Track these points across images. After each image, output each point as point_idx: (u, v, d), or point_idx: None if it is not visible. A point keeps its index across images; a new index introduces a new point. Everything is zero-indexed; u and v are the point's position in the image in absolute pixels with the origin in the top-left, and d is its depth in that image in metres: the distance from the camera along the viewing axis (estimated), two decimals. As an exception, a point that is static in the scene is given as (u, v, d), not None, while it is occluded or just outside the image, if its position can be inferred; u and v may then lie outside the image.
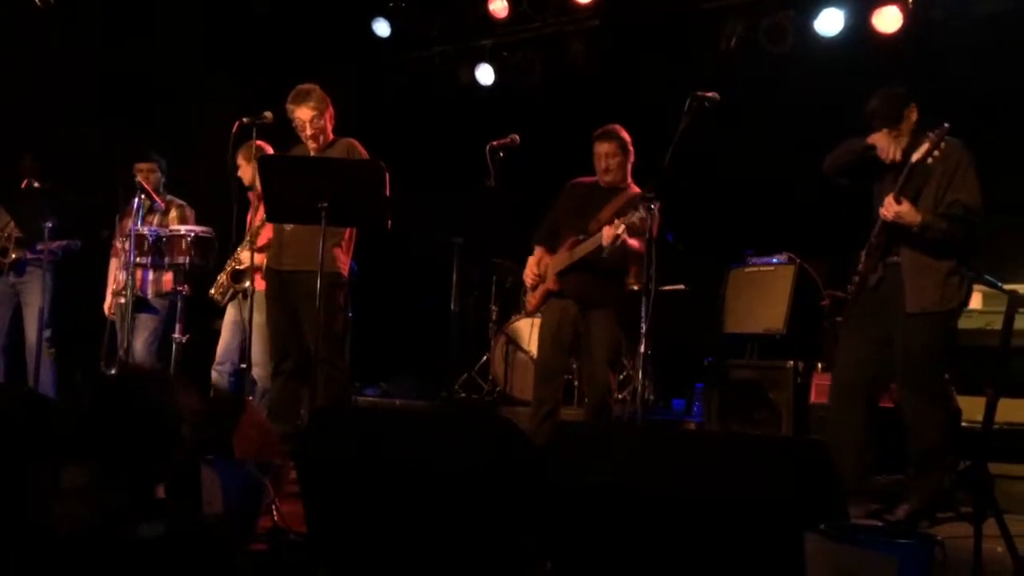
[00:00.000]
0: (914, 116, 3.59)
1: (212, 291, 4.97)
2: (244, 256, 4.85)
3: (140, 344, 5.05)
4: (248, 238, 4.93)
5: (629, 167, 4.36)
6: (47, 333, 5.21)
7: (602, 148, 4.30)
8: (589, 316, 4.27)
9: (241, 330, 5.10)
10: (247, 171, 5.14)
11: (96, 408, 1.77)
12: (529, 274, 4.49)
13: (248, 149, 5.13)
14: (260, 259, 4.74)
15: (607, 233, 4.05)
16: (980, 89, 5.18)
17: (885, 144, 3.54)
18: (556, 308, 4.34)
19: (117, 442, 1.73)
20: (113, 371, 4.82)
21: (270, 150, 5.05)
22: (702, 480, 2.25)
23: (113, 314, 5.17)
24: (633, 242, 4.12)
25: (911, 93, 3.63)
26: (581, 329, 4.29)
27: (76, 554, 1.63)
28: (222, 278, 4.99)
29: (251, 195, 5.26)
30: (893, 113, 3.57)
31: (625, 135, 4.34)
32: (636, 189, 4.32)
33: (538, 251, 4.52)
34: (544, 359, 4.42)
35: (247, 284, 4.91)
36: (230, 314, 5.12)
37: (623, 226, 4.00)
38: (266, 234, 4.91)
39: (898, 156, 3.49)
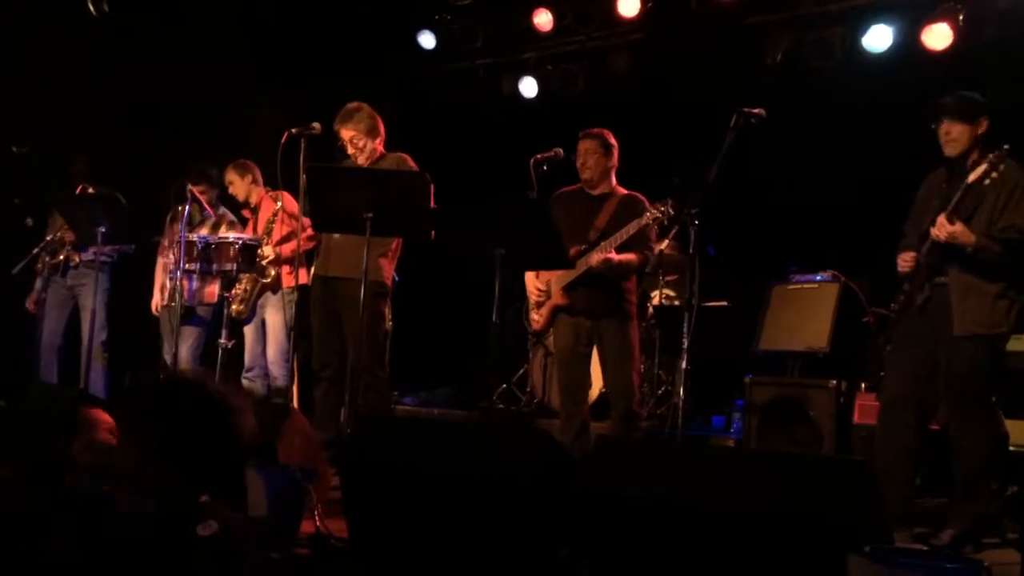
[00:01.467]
0: (983, 128, 3.51)
1: (234, 307, 5.03)
2: (265, 251, 4.96)
3: (185, 350, 5.16)
4: (263, 234, 5.03)
5: (612, 170, 4.38)
6: (103, 335, 5.34)
7: (582, 146, 4.36)
8: (601, 327, 4.28)
9: (264, 334, 5.21)
10: (240, 187, 5.28)
11: (164, 413, 1.83)
12: (533, 291, 4.50)
13: (238, 166, 5.27)
14: (280, 252, 4.88)
15: (595, 259, 4.11)
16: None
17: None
18: (568, 324, 4.35)
19: (184, 446, 1.79)
20: (161, 376, 4.95)
21: (258, 171, 5.20)
22: (743, 497, 2.24)
23: (159, 312, 5.29)
24: (625, 257, 4.15)
25: (990, 106, 3.56)
26: (596, 341, 4.30)
27: (139, 549, 1.69)
28: (241, 287, 5.07)
29: (245, 211, 5.38)
30: (966, 110, 3.50)
31: (610, 138, 4.37)
32: (623, 191, 4.34)
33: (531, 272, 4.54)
34: (564, 376, 4.43)
35: (272, 273, 5.02)
36: (252, 321, 5.22)
37: (611, 250, 4.08)
38: (280, 230, 5.03)
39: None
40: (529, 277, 4.51)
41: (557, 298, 4.36)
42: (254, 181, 5.32)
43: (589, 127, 4.45)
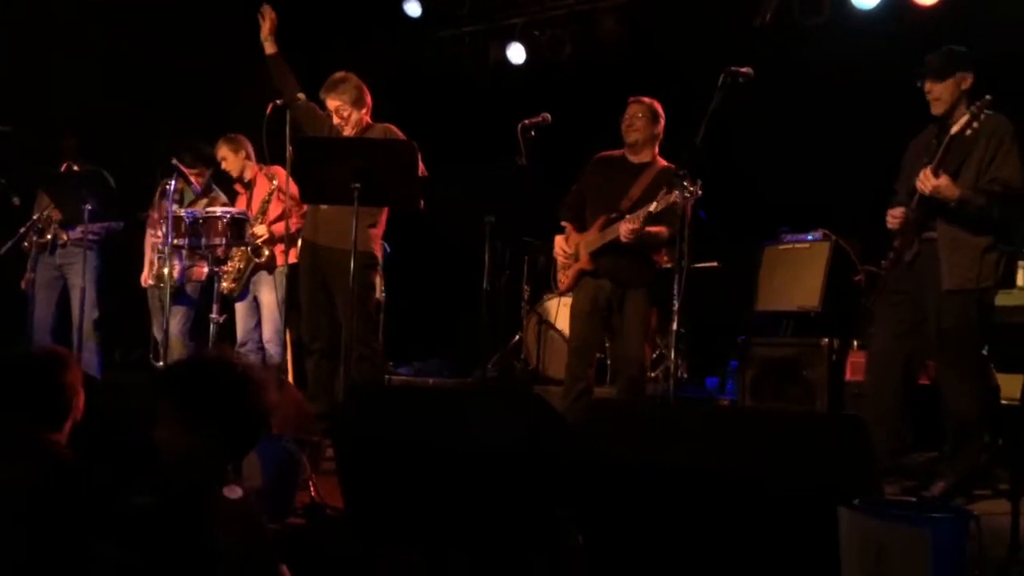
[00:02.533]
0: (966, 84, 3.50)
1: (225, 284, 5.02)
2: (259, 230, 4.94)
3: (175, 327, 5.16)
4: (258, 213, 5.00)
5: (656, 139, 4.35)
6: (95, 314, 5.32)
7: (631, 109, 4.33)
8: (624, 295, 4.27)
9: (256, 310, 5.20)
10: (233, 163, 5.23)
11: (196, 389, 1.92)
12: (560, 253, 4.49)
13: (232, 141, 5.22)
14: (274, 231, 4.87)
15: (624, 229, 4.08)
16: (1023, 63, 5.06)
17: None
18: (590, 287, 4.34)
19: (216, 420, 1.90)
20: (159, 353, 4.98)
21: (250, 145, 5.15)
22: (736, 456, 2.25)
23: (150, 284, 5.28)
24: (656, 229, 4.13)
25: (971, 59, 3.53)
26: (615, 308, 4.30)
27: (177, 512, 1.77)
28: (233, 264, 5.06)
29: (237, 186, 5.34)
30: (943, 68, 3.49)
31: (659, 107, 4.34)
32: (663, 163, 4.31)
33: (567, 228, 4.52)
34: (577, 336, 4.43)
35: (267, 253, 4.99)
36: (245, 298, 5.22)
37: (639, 221, 4.03)
38: (275, 209, 5.00)
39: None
40: (558, 239, 4.51)
41: (584, 262, 4.35)
42: (247, 156, 5.27)
43: (577, 92, 4.42)
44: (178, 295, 5.14)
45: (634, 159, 4.34)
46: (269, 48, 4.53)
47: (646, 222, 4.08)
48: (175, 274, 4.98)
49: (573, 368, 4.38)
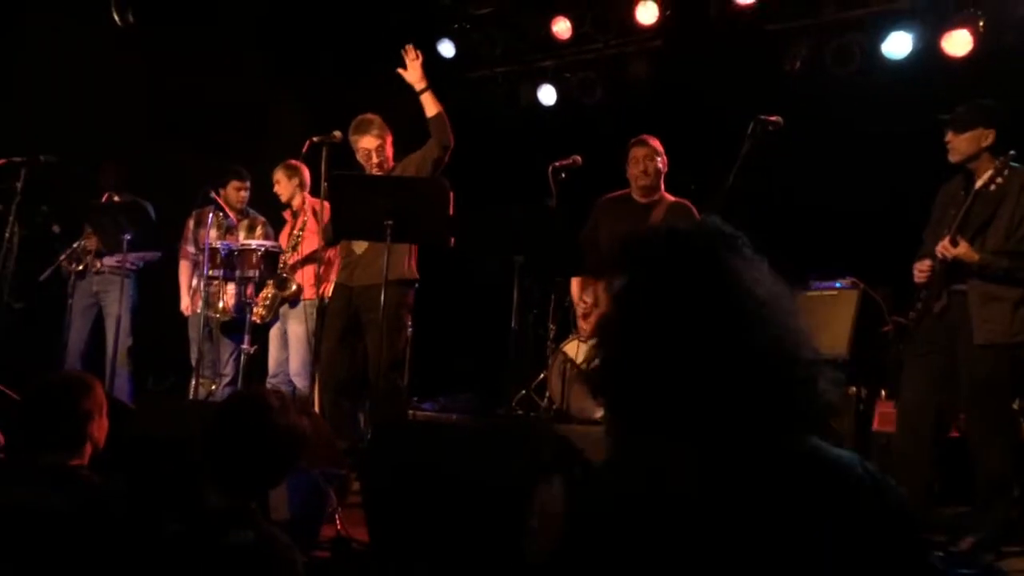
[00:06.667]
0: (986, 141, 3.50)
1: (257, 310, 5.08)
2: (285, 258, 5.01)
3: (225, 355, 5.27)
4: (289, 247, 5.08)
5: (662, 177, 4.39)
6: (129, 342, 5.41)
7: (639, 152, 4.36)
8: None
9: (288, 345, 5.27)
10: (285, 188, 5.31)
11: (224, 425, 1.94)
12: (578, 302, 4.51)
13: (287, 167, 5.31)
14: (303, 271, 4.92)
15: None
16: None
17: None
18: None
19: (240, 457, 1.91)
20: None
21: (306, 171, 5.22)
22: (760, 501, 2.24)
23: (188, 313, 5.36)
24: None
25: (998, 114, 3.54)
26: None
27: (169, 555, 1.74)
28: (266, 292, 5.13)
29: (286, 213, 5.43)
30: (964, 121, 3.51)
31: (659, 144, 4.38)
32: (671, 198, 4.35)
33: (578, 279, 4.54)
34: None
35: (293, 288, 5.05)
36: (276, 328, 5.27)
37: None
38: (309, 244, 5.07)
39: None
40: (575, 289, 4.53)
41: (604, 306, 4.35)
42: (300, 184, 5.34)
43: (607, 135, 4.48)
44: (231, 326, 5.23)
45: (643, 200, 4.37)
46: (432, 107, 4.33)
47: None
48: (229, 304, 5.07)
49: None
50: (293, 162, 5.29)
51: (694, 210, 4.25)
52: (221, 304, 4.99)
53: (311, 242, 5.14)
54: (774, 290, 1.29)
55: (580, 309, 4.52)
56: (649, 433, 1.21)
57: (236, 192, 5.27)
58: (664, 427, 1.19)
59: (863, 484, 1.14)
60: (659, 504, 1.15)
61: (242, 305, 5.23)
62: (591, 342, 4.82)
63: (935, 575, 1.19)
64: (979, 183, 3.38)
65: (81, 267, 5.49)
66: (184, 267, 5.44)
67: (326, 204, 4.75)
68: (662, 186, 4.39)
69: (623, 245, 1.28)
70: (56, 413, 2.20)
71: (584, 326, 4.53)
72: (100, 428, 2.29)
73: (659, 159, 4.33)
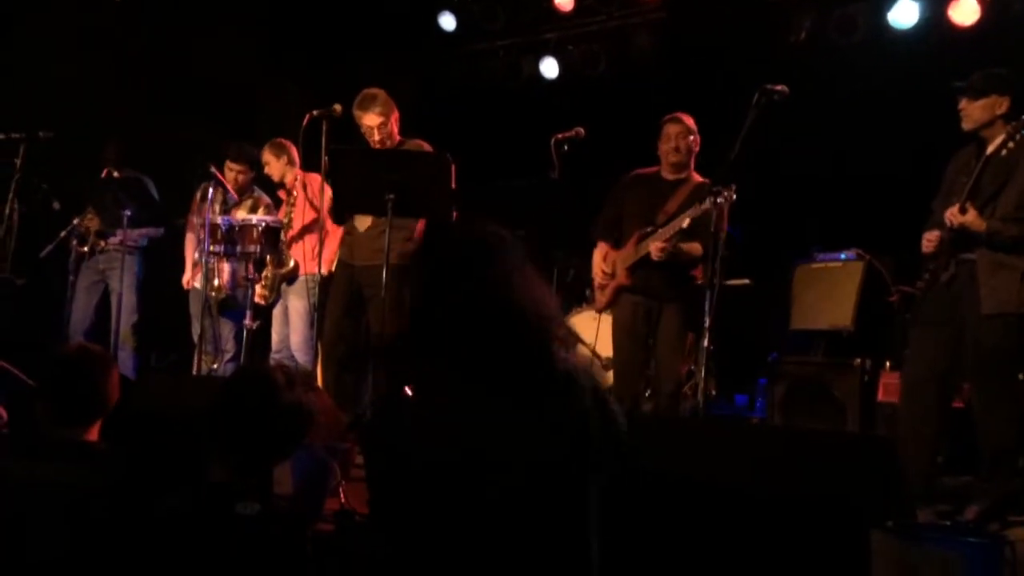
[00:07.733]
0: (1001, 108, 3.46)
1: (260, 291, 5.06)
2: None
3: (226, 332, 5.27)
4: (285, 224, 5.06)
5: (693, 155, 4.35)
6: (133, 318, 5.41)
7: (673, 129, 4.31)
8: (661, 310, 4.27)
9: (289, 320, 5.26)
10: (275, 168, 5.27)
11: (230, 402, 1.95)
12: (598, 272, 4.48)
13: (273, 146, 5.26)
14: (299, 245, 4.89)
15: (653, 248, 4.09)
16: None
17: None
18: (628, 304, 4.33)
19: (247, 434, 1.91)
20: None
21: (294, 148, 5.18)
22: (767, 474, 2.24)
23: (189, 287, 5.36)
24: (689, 246, 4.12)
25: (1012, 82, 3.49)
26: (654, 323, 4.29)
27: (176, 528, 1.75)
28: (267, 272, 5.11)
29: (281, 192, 5.40)
30: (980, 88, 3.48)
31: (693, 123, 4.34)
32: (699, 178, 4.31)
33: (602, 247, 4.51)
34: (622, 357, 4.41)
35: (291, 265, 5.04)
36: (278, 304, 5.26)
37: (669, 238, 4.03)
38: (301, 218, 5.05)
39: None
40: (596, 258, 4.50)
41: (622, 278, 4.35)
42: (289, 162, 5.29)
43: (610, 106, 4.43)
44: (229, 303, 5.22)
45: (671, 177, 4.34)
46: None
47: (677, 239, 4.07)
48: (224, 281, 5.06)
49: (620, 389, 4.34)
50: (279, 140, 5.25)
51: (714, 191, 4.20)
52: (217, 281, 4.97)
53: (304, 215, 5.11)
54: (523, 278, 1.77)
55: (597, 280, 4.49)
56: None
57: (229, 172, 5.23)
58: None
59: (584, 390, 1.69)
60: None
61: (236, 282, 5.21)
62: (589, 311, 4.77)
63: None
64: (991, 148, 3.35)
65: (86, 247, 5.48)
66: (190, 239, 5.42)
67: (315, 176, 4.73)
68: (692, 164, 4.35)
69: (427, 238, 1.79)
70: (84, 387, 2.19)
71: (600, 297, 4.50)
72: (112, 403, 2.29)
73: (692, 137, 4.29)
